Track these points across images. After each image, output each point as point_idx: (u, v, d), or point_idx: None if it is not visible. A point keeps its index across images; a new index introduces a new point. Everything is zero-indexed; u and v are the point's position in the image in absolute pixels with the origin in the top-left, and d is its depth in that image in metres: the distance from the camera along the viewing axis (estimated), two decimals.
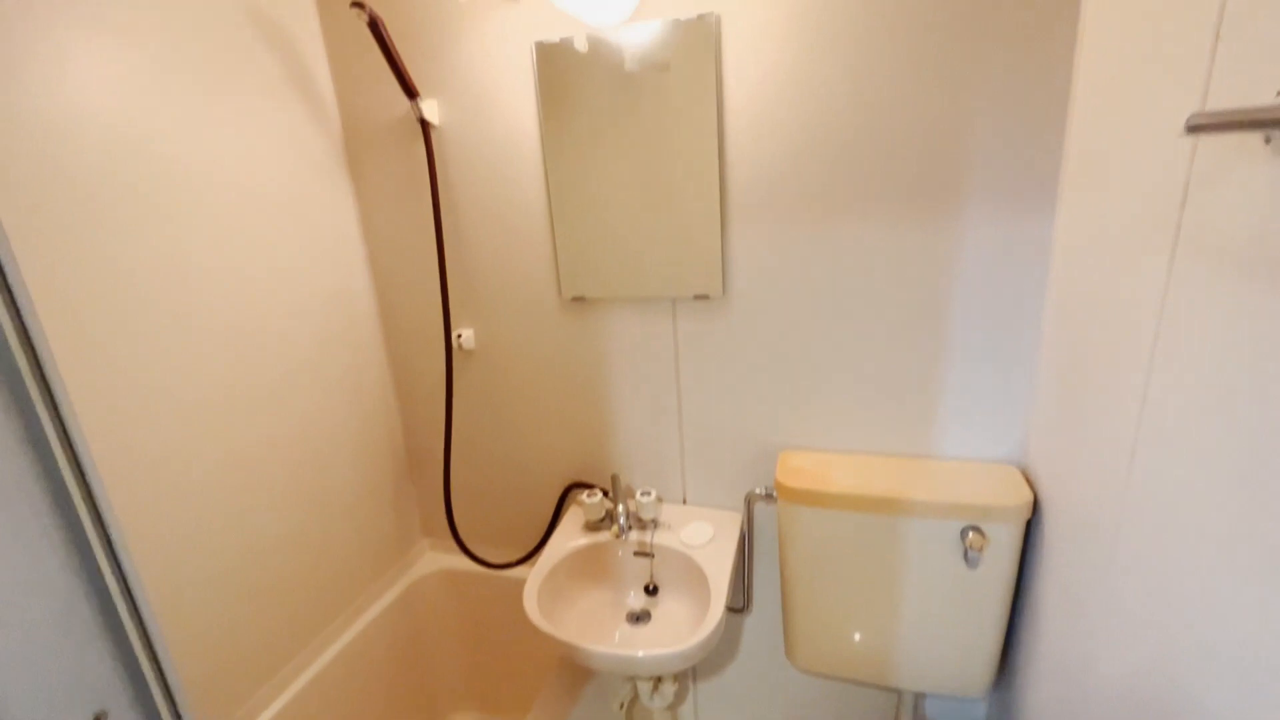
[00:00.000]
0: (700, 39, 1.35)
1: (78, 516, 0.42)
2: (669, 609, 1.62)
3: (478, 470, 1.96)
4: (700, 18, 1.34)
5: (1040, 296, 1.30)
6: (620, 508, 1.64)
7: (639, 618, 1.63)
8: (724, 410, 1.62)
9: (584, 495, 1.71)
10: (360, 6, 1.44)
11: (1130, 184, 0.94)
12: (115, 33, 1.20)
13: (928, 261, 1.35)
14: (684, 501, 1.76)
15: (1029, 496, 1.27)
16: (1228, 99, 0.70)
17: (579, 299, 1.65)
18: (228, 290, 1.43)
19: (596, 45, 1.42)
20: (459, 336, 1.81)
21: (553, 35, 1.46)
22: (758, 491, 1.59)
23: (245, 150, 1.46)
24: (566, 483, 1.87)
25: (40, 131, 1.09)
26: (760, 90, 1.35)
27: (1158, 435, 0.82)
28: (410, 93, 1.57)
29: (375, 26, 1.46)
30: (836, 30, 1.27)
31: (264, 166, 1.51)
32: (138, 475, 1.27)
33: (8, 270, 0.40)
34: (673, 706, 1.94)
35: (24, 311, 0.40)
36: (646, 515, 1.67)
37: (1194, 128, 0.61)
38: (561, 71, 1.47)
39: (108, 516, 0.52)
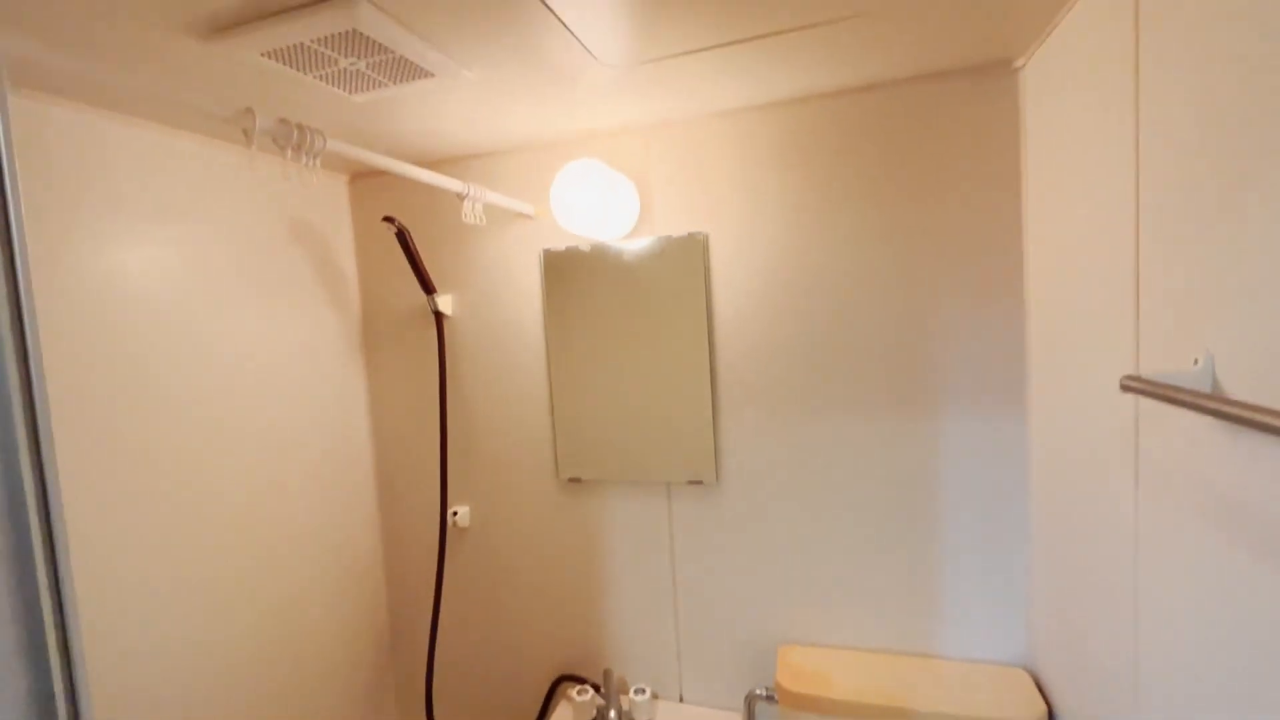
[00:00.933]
0: (690, 252, 1.52)
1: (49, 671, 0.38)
2: None
3: (463, 652, 1.85)
4: (690, 235, 1.52)
5: (1024, 496, 1.34)
6: (612, 712, 1.53)
7: None
8: (721, 598, 1.58)
9: (574, 691, 1.61)
10: (391, 220, 1.63)
11: (1088, 406, 1.02)
12: (168, 224, 1.35)
13: (911, 457, 1.41)
14: (680, 699, 1.65)
15: (1042, 709, 1.21)
16: (1159, 354, 0.79)
17: (575, 480, 1.68)
18: (242, 455, 1.46)
19: (598, 254, 1.59)
20: (454, 514, 1.81)
21: (558, 245, 1.64)
22: (758, 692, 1.50)
23: (272, 332, 1.57)
24: (556, 673, 1.76)
25: (98, 308, 1.19)
26: (745, 294, 1.50)
27: (1158, 650, 0.82)
28: (428, 289, 1.72)
29: (403, 236, 1.64)
30: (811, 248, 1.44)
31: (287, 347, 1.61)
32: (122, 613, 1.20)
33: (41, 429, 0.40)
34: None
35: (42, 440, 0.39)
36: (641, 717, 1.55)
37: (1127, 389, 0.69)
38: (565, 274, 1.63)
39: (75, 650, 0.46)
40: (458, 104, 1.32)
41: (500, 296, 1.72)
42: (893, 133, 1.37)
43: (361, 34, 0.95)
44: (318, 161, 0.94)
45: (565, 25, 1.01)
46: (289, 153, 0.94)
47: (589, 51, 1.11)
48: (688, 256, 1.52)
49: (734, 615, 1.58)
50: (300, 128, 0.94)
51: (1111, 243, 0.91)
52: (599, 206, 1.43)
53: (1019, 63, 1.26)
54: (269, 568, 1.55)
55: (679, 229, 1.54)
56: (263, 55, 1.01)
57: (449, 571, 1.84)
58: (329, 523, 1.73)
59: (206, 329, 1.41)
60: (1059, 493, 1.17)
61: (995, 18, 1.08)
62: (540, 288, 1.67)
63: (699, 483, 1.56)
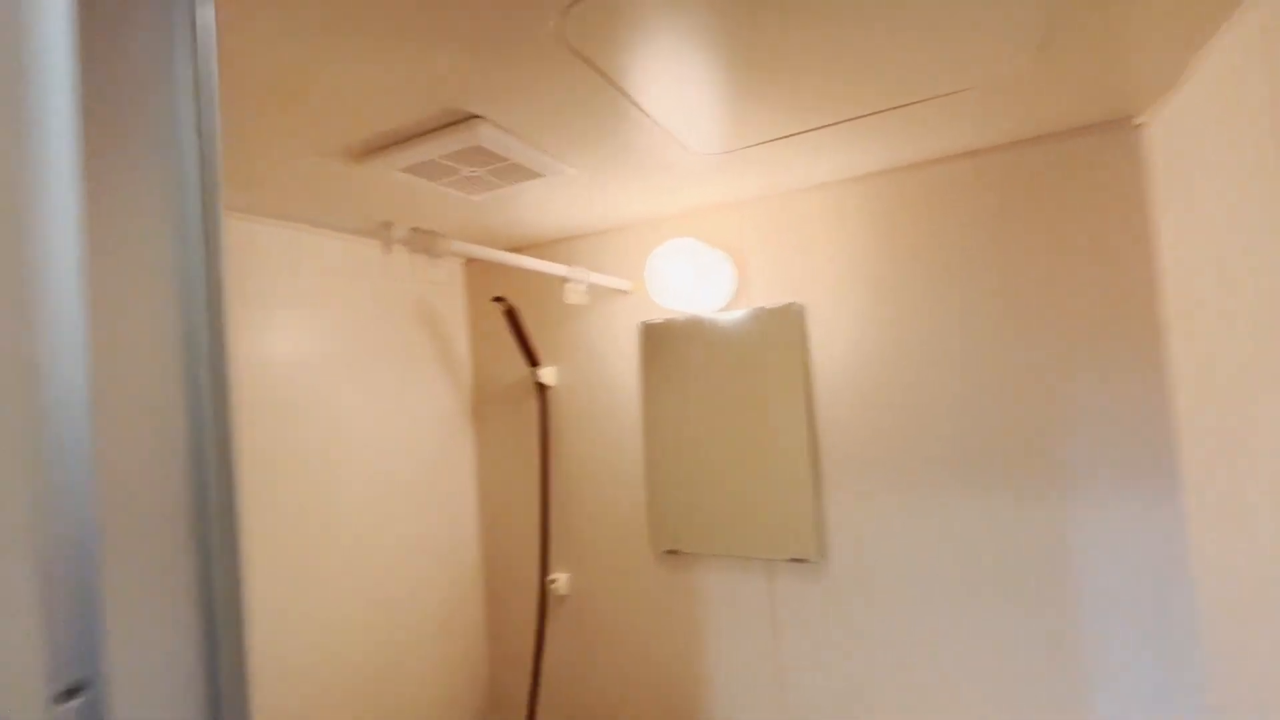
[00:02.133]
0: (787, 323, 1.51)
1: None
2: None
3: (562, 713, 1.84)
4: (787, 306, 1.51)
5: (1187, 590, 1.17)
6: None
7: None
8: (828, 683, 1.48)
9: None
10: (500, 300, 1.76)
11: (1272, 473, 0.89)
12: (308, 310, 1.52)
13: (1039, 541, 1.28)
14: None
15: None
16: None
17: (672, 552, 1.67)
18: (362, 515, 1.58)
19: (694, 325, 1.62)
20: (553, 581, 1.84)
21: (656, 317, 1.69)
22: None
23: (393, 404, 1.71)
24: None
25: (263, 368, 1.36)
26: (846, 365, 1.46)
27: None
28: (533, 362, 1.82)
29: (511, 314, 1.76)
30: (915, 316, 1.39)
31: (406, 419, 1.75)
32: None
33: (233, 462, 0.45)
34: None
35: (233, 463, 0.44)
36: None
37: None
38: (662, 345, 1.67)
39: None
40: (561, 196, 1.42)
41: (600, 368, 1.79)
42: (1001, 198, 1.31)
43: (482, 148, 1.07)
44: (449, 262, 1.04)
45: (660, 125, 1.08)
46: (420, 257, 1.05)
47: (683, 145, 1.17)
48: (785, 327, 1.52)
49: (843, 702, 1.47)
50: (430, 234, 1.05)
51: None
52: (694, 282, 1.47)
53: (1141, 119, 1.18)
54: (379, 618, 1.64)
55: (775, 300, 1.54)
56: (400, 171, 1.15)
57: (549, 635, 1.86)
58: (437, 581, 1.81)
59: (337, 402, 1.57)
60: (1241, 589, 1.01)
61: (1115, 77, 1.03)
62: (638, 359, 1.72)
63: (802, 560, 1.50)
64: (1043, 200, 1.28)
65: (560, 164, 1.20)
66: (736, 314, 1.57)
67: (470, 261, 2.01)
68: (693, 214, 1.65)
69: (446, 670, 1.82)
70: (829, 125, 1.13)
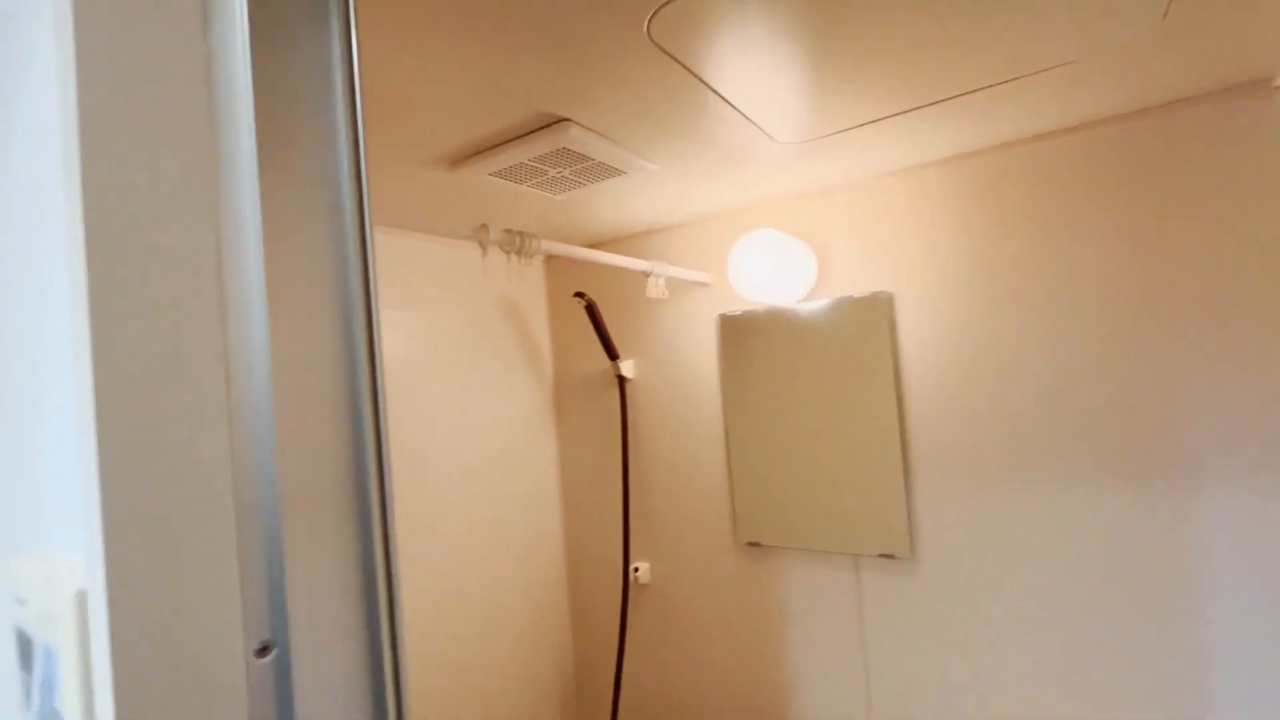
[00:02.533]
0: (874, 311, 1.47)
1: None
2: None
3: (646, 701, 1.87)
4: (873, 295, 1.47)
5: None
6: None
7: None
8: (920, 685, 1.44)
9: None
10: (581, 295, 1.80)
11: None
12: (406, 310, 1.62)
13: (1161, 542, 1.18)
14: None
15: None
16: None
17: (754, 544, 1.66)
18: (452, 506, 1.67)
19: (775, 316, 1.61)
20: (636, 570, 1.88)
21: (735, 309, 1.68)
22: None
23: (479, 399, 1.79)
24: None
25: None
26: (938, 354, 1.40)
27: None
28: (612, 355, 1.86)
29: (591, 309, 1.80)
30: (1015, 301, 1.32)
31: (491, 412, 1.83)
32: None
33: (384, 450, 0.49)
34: None
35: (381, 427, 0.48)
36: None
37: None
38: (741, 337, 1.66)
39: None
40: (642, 192, 1.44)
41: (678, 360, 1.80)
42: (1114, 172, 1.22)
43: (569, 149, 1.10)
44: (534, 259, 1.08)
45: (744, 115, 1.07)
46: (512, 256, 1.09)
47: (766, 134, 1.16)
48: (871, 316, 1.47)
49: (933, 707, 1.42)
50: (521, 235, 1.10)
51: None
52: (775, 273, 1.45)
53: None
54: (468, 603, 1.73)
55: (860, 289, 1.50)
56: (490, 175, 1.21)
57: (632, 624, 1.90)
58: (523, 568, 1.89)
59: (429, 400, 1.66)
60: None
61: (1249, 37, 0.94)
62: (716, 351, 1.72)
63: (891, 556, 1.46)
64: (1165, 173, 1.18)
65: (643, 160, 1.22)
66: (819, 304, 1.54)
67: (550, 259, 2.07)
68: (773, 204, 1.63)
69: (534, 655, 1.90)
70: (921, 107, 1.09)
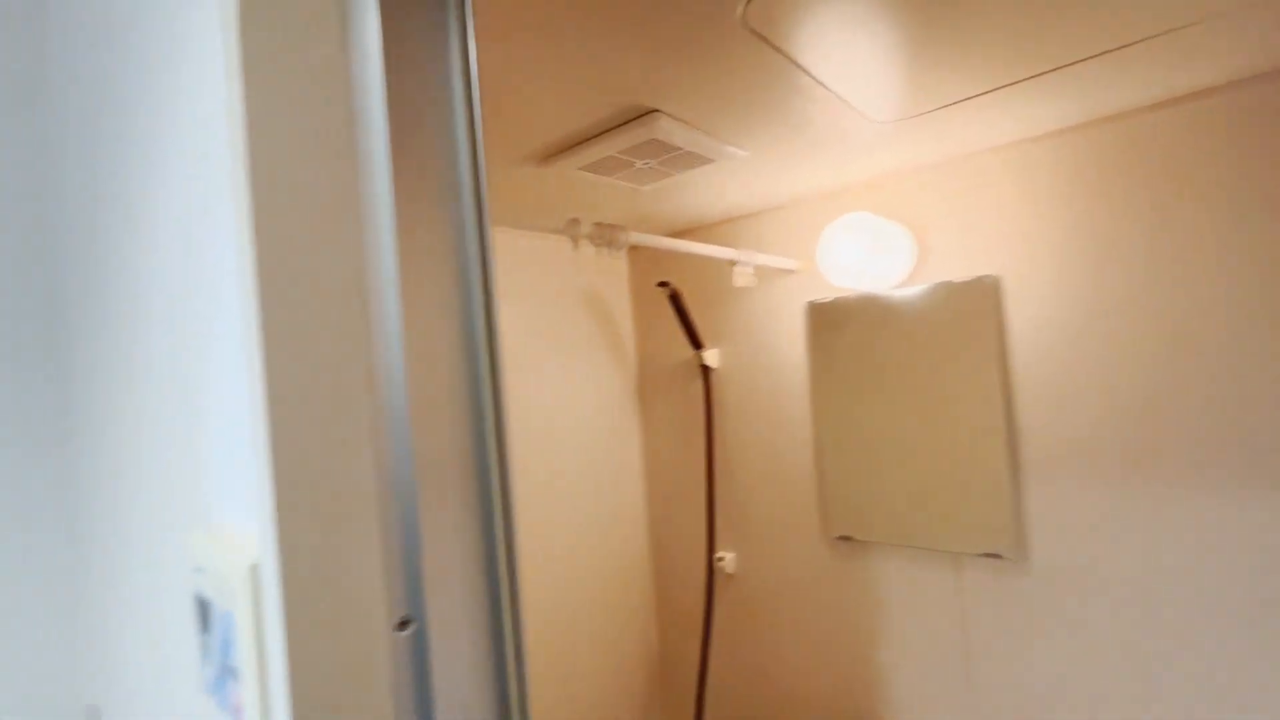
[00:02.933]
0: (978, 297, 1.38)
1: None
2: None
3: (732, 690, 1.88)
4: (977, 279, 1.39)
5: None
6: None
7: None
8: (1028, 696, 1.36)
9: None
10: (665, 285, 1.81)
11: None
12: (503, 300, 1.68)
13: None
14: None
15: None
16: None
17: (845, 539, 1.62)
18: (540, 491, 1.74)
19: (868, 303, 1.54)
20: (721, 559, 1.88)
21: (824, 296, 1.63)
22: None
23: (565, 388, 1.84)
24: None
25: None
26: (1052, 341, 1.30)
27: None
28: (696, 344, 1.85)
29: (675, 299, 1.81)
30: (1141, 282, 1.20)
31: (577, 401, 1.87)
32: None
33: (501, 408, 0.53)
34: None
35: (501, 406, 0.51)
36: None
37: None
38: (831, 325, 1.61)
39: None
40: (729, 179, 1.42)
41: (764, 349, 1.77)
42: (1248, 142, 1.08)
43: (658, 140, 1.10)
44: (623, 251, 1.10)
45: (838, 96, 1.03)
46: (602, 249, 1.11)
47: (861, 114, 1.11)
48: (974, 301, 1.39)
49: (1047, 712, 1.34)
50: (611, 228, 1.11)
51: None
52: (869, 257, 1.40)
53: None
54: (555, 590, 1.79)
55: (963, 273, 1.42)
56: (579, 169, 1.23)
57: (717, 613, 1.91)
58: (608, 557, 1.94)
59: (515, 390, 1.72)
60: None
61: None
62: (804, 339, 1.68)
63: (996, 556, 1.38)
64: None
65: (732, 147, 1.20)
66: (916, 289, 1.47)
67: (633, 249, 2.09)
68: (867, 186, 1.56)
69: (619, 643, 1.95)
70: (1032, 77, 1.01)
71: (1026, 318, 1.34)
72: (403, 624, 0.41)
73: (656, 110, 1.03)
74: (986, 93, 1.06)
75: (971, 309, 1.39)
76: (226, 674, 0.42)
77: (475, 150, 0.45)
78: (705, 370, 1.87)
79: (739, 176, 1.41)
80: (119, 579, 0.70)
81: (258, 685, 0.38)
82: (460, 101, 0.44)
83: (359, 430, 0.39)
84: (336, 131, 0.40)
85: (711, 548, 1.85)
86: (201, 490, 0.49)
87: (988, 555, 1.39)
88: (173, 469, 0.54)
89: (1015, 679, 1.37)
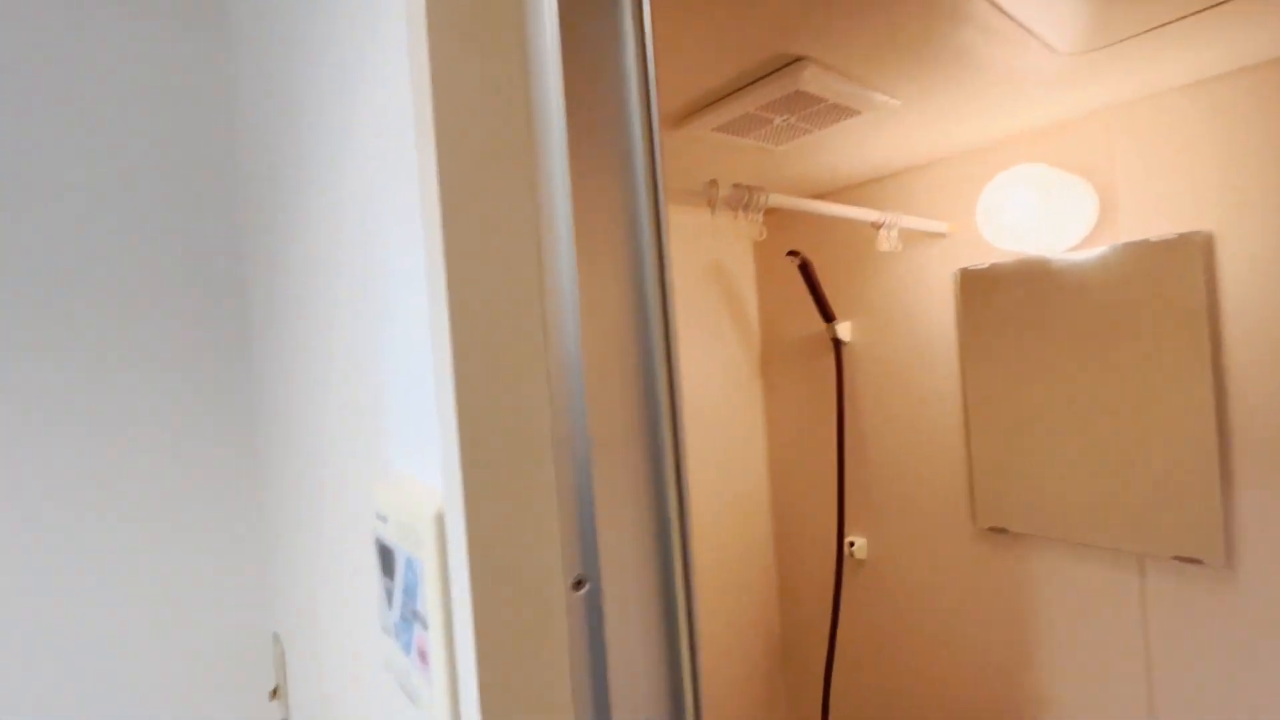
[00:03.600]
0: (1181, 258, 1.17)
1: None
2: None
3: (858, 682, 1.80)
4: (1181, 237, 1.18)
5: None
6: None
7: None
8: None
9: None
10: (795, 254, 1.71)
11: None
12: None
13: None
14: None
15: None
16: None
17: (998, 530, 1.47)
18: None
19: (1032, 269, 1.37)
20: (851, 544, 1.78)
21: (979, 262, 1.47)
22: None
23: (689, 363, 1.81)
24: None
25: None
26: (1276, 314, 1.08)
27: None
28: (827, 317, 1.75)
29: (805, 269, 1.71)
30: None
31: (700, 375, 1.84)
32: None
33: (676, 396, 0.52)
34: None
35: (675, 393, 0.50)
36: None
37: None
38: (987, 294, 1.45)
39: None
40: (874, 134, 1.30)
41: (904, 322, 1.63)
42: None
43: (802, 92, 1.02)
44: (760, 215, 1.04)
45: (1020, 23, 0.89)
46: (739, 213, 1.06)
47: (1046, 44, 0.96)
48: (1176, 262, 1.18)
49: None
50: (749, 189, 1.06)
51: None
52: (1040, 217, 1.23)
53: None
54: None
55: (1160, 231, 1.21)
56: (713, 130, 1.18)
57: (846, 601, 1.82)
58: (728, 537, 1.90)
59: None
60: None
61: None
62: (954, 310, 1.53)
63: (1193, 561, 1.19)
64: None
65: (883, 96, 1.09)
66: (1097, 251, 1.28)
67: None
68: (1034, 136, 1.37)
69: (739, 627, 1.92)
70: None
71: (1246, 282, 1.11)
72: (578, 583, 0.40)
73: (803, 58, 0.95)
74: (1193, 14, 0.87)
75: (1171, 271, 1.19)
76: (411, 619, 0.43)
77: (650, 114, 0.42)
78: (837, 344, 1.76)
79: (885, 130, 1.29)
80: (306, 526, 0.77)
81: (444, 633, 0.38)
82: (633, 60, 0.41)
83: (538, 396, 0.38)
84: (514, 112, 0.38)
85: (841, 532, 1.76)
86: (381, 445, 0.51)
87: (1182, 559, 1.20)
88: (353, 426, 0.57)
89: (1210, 705, 1.18)
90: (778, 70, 0.98)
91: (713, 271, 1.90)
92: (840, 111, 1.12)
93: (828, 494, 1.85)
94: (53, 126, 0.84)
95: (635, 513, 0.41)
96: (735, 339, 1.95)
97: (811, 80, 0.98)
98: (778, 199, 1.12)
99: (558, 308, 0.39)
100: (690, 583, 0.42)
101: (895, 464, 1.68)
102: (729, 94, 1.07)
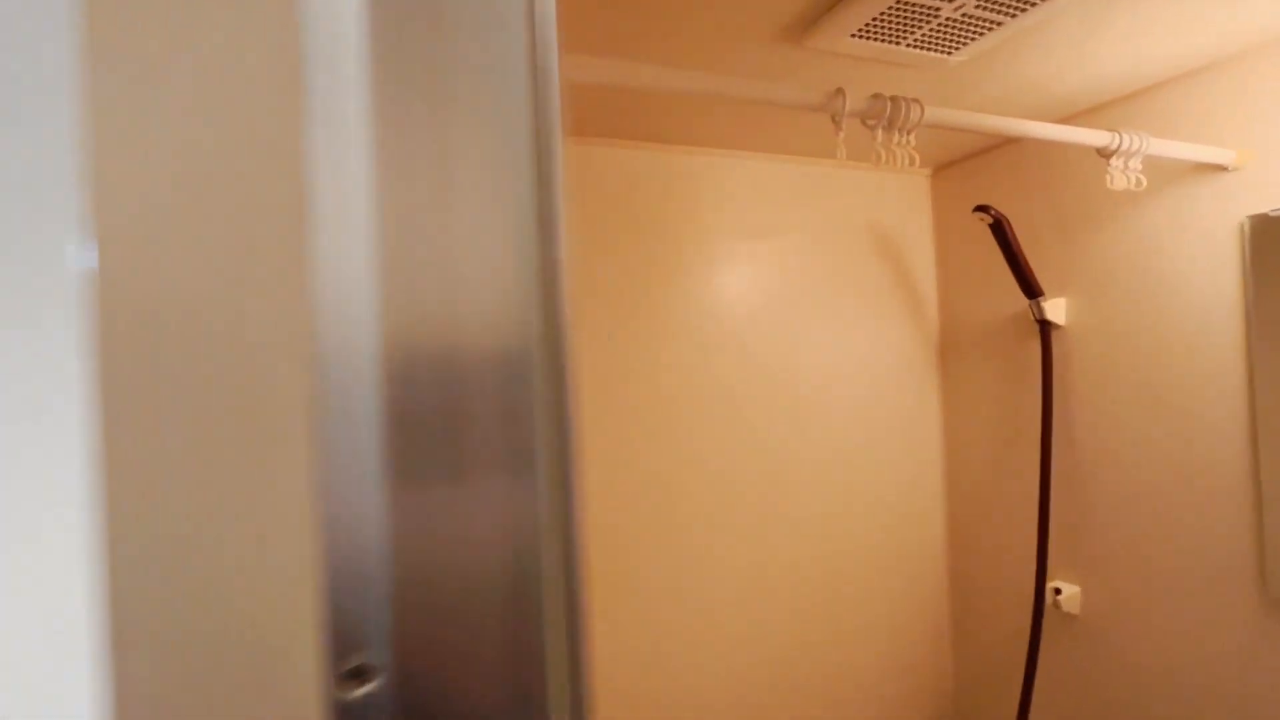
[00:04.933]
0: None
1: None
2: None
3: None
4: None
5: None
6: None
7: None
8: None
9: None
10: (986, 210, 1.33)
11: None
12: (756, 239, 1.43)
13: None
14: None
15: None
16: None
17: None
18: (811, 467, 1.45)
19: None
20: (1057, 592, 1.35)
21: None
22: None
23: (845, 342, 1.50)
24: None
25: (705, 320, 1.37)
26: None
27: None
28: (1031, 292, 1.33)
29: (1000, 228, 1.31)
30: None
31: (859, 358, 1.52)
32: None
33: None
34: None
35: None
36: None
37: None
38: None
39: None
40: (1089, 29, 0.91)
41: (1149, 295, 1.17)
42: None
43: None
44: (912, 138, 0.75)
45: None
46: (879, 134, 0.78)
47: None
48: None
49: None
50: (893, 100, 0.77)
51: None
52: None
53: None
54: (820, 605, 1.48)
55: None
56: (853, 36, 0.90)
57: (1045, 662, 1.39)
58: (890, 565, 1.56)
59: (787, 339, 1.45)
60: None
61: None
62: (1238, 278, 1.05)
63: None
64: None
65: None
66: None
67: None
68: None
69: (901, 674, 1.56)
70: None
71: None
72: (356, 673, 0.22)
73: None
74: None
75: None
76: None
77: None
78: (1045, 327, 1.34)
79: (1118, 22, 0.89)
80: None
81: None
82: None
83: (285, 311, 0.21)
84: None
85: (1042, 574, 1.33)
86: None
87: None
88: None
89: None
90: None
91: (875, 235, 1.56)
92: None
93: (1023, 524, 1.42)
94: None
95: (478, 539, 0.22)
96: (903, 321, 1.59)
97: None
98: (940, 113, 0.81)
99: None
100: (581, 668, 0.22)
101: (1129, 493, 1.22)
102: None
